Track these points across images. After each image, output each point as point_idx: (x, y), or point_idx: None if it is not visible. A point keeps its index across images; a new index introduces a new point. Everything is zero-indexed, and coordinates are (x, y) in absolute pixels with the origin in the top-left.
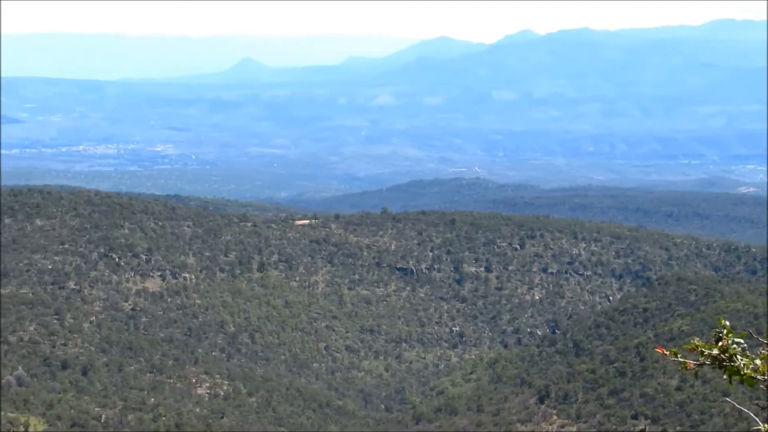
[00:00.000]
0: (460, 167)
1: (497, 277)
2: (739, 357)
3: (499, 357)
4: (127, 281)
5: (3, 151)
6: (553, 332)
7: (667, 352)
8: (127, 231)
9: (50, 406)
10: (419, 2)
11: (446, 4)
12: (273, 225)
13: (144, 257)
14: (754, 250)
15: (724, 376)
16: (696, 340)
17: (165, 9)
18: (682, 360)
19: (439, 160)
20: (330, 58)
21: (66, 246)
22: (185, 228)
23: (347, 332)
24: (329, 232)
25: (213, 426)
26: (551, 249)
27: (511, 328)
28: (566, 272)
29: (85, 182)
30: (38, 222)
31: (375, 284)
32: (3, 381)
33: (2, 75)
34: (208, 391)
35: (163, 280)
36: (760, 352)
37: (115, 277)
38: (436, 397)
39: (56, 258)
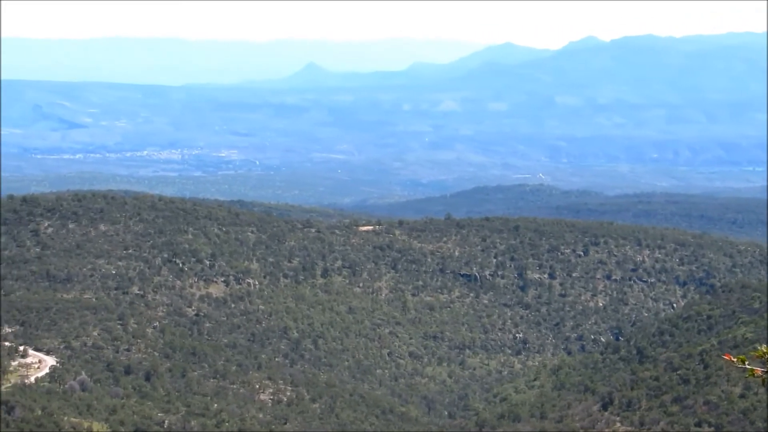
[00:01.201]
0: (523, 173)
1: (561, 284)
2: None
3: (562, 364)
4: (191, 286)
5: (66, 156)
6: (617, 339)
7: (735, 359)
8: (190, 236)
9: (113, 411)
10: (485, 8)
11: (511, 10)
12: (337, 231)
13: (208, 262)
14: None
15: None
16: (763, 348)
17: (231, 13)
18: (749, 367)
19: (502, 165)
20: (395, 63)
21: (130, 251)
22: (249, 233)
23: (411, 338)
24: (393, 238)
25: None
26: (615, 256)
27: (575, 334)
28: (630, 279)
29: (149, 187)
30: (102, 227)
31: (438, 290)
32: (67, 385)
33: (66, 80)
34: (272, 397)
35: (227, 285)
36: None
37: (178, 282)
38: (499, 404)
39: (120, 263)
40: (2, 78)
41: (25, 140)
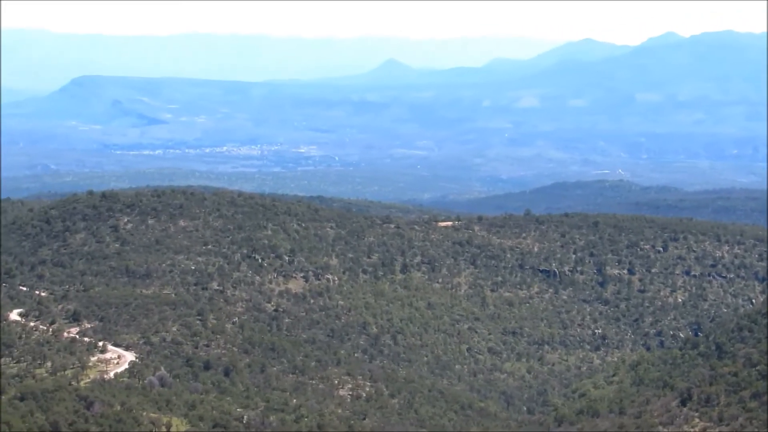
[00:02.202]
0: (603, 169)
1: (640, 280)
2: None
3: (641, 359)
4: (270, 282)
5: (146, 152)
6: (696, 335)
7: None
8: (270, 232)
9: (192, 406)
10: (564, 4)
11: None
12: (416, 226)
13: (287, 258)
14: None
15: None
16: None
17: (311, 10)
18: None
19: (582, 162)
20: (474, 60)
21: (209, 247)
22: (328, 229)
23: (490, 334)
24: (472, 233)
25: (355, 427)
26: (694, 251)
27: (654, 330)
28: (709, 275)
29: (229, 183)
30: (181, 223)
31: (518, 286)
32: (146, 381)
33: (146, 76)
34: (351, 393)
35: (306, 281)
36: None
37: (258, 278)
38: (578, 399)
39: (199, 259)
40: (83, 74)
41: (105, 136)
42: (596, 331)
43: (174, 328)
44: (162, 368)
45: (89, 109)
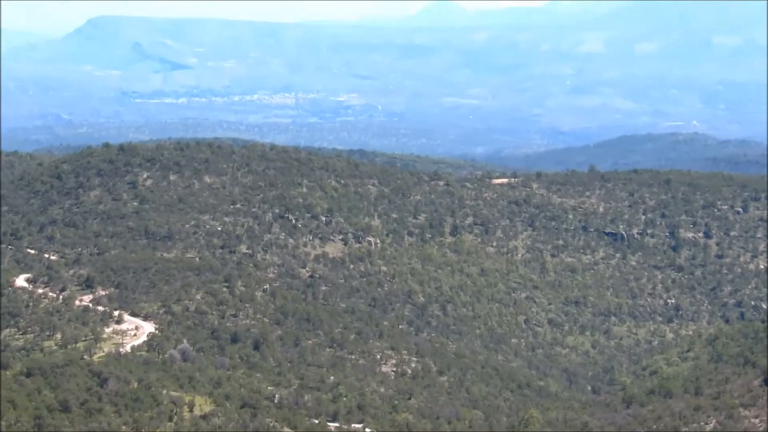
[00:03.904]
0: (676, 121)
1: (717, 244)
2: None
3: (719, 333)
4: (305, 245)
5: (168, 100)
6: None
7: None
8: (305, 190)
9: (218, 383)
10: None
11: None
12: (468, 184)
13: (324, 219)
14: None
15: None
16: None
17: None
18: None
19: (653, 113)
20: None
21: (237, 206)
22: (370, 187)
23: (550, 304)
24: (530, 192)
25: (399, 407)
26: None
27: (733, 300)
28: None
29: (260, 135)
30: (207, 179)
31: (581, 250)
32: (166, 355)
33: (169, 16)
34: (394, 369)
35: (345, 244)
36: None
37: (291, 240)
38: (648, 378)
39: (226, 219)
40: (100, 15)
41: (124, 83)
42: (669, 301)
43: (198, 296)
44: (184, 341)
45: (106, 52)
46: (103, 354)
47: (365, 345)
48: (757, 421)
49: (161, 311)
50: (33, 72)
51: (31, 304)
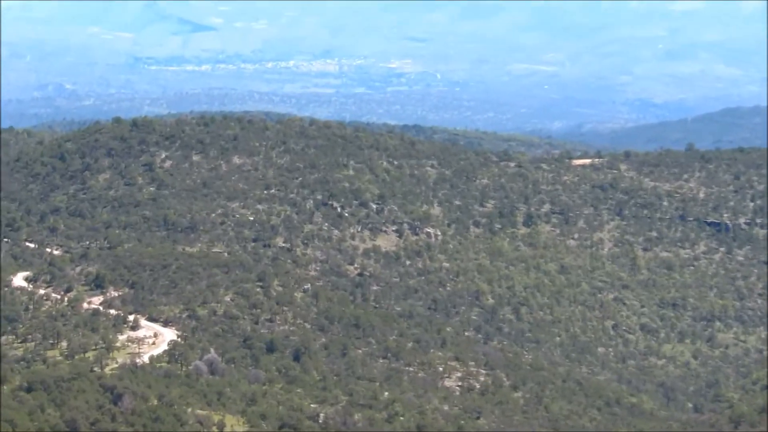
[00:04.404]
0: None
1: None
2: None
3: None
4: (353, 238)
5: (189, 67)
6: None
7: None
8: (352, 172)
9: (252, 400)
10: None
11: None
12: (544, 165)
13: (375, 207)
14: None
15: None
16: None
17: None
18: None
19: (760, 81)
20: None
21: (272, 191)
22: (428, 169)
23: (642, 306)
24: (617, 174)
25: (466, 428)
26: None
27: None
28: None
29: (297, 108)
30: (236, 160)
31: (678, 244)
32: (191, 367)
33: None
34: (460, 383)
35: (400, 236)
36: None
37: (336, 232)
38: (759, 393)
39: (259, 207)
40: None
41: (136, 47)
42: None
43: (227, 298)
44: (212, 350)
45: (115, 12)
46: (116, 366)
47: (425, 355)
48: None
49: (184, 315)
50: (30, 35)
51: (31, 306)
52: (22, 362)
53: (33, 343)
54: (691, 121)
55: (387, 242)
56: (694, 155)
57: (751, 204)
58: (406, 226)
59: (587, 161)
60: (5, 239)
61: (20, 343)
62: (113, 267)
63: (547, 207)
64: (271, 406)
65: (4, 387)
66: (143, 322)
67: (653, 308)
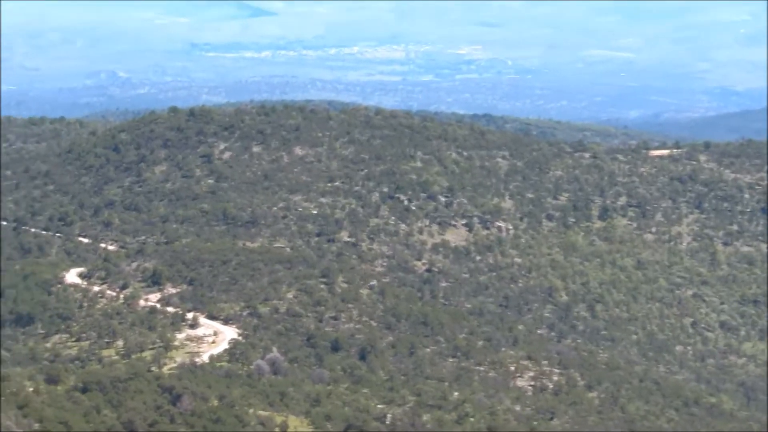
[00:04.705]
0: None
1: None
2: None
3: None
4: (420, 232)
5: (249, 54)
6: None
7: None
8: (419, 164)
9: (316, 401)
10: None
11: None
12: (620, 156)
13: (443, 199)
14: None
15: None
16: None
17: None
18: None
19: None
20: None
21: (336, 184)
22: (499, 160)
23: (722, 303)
24: (696, 166)
25: (538, 429)
26: None
27: None
28: None
29: (362, 97)
30: (298, 151)
31: (760, 237)
32: (252, 366)
33: None
34: (532, 383)
35: (470, 230)
36: None
37: (403, 226)
38: None
39: (323, 200)
40: None
41: (193, 32)
42: None
43: (290, 295)
44: (274, 349)
45: None
46: (174, 365)
47: (496, 354)
48: None
49: (245, 313)
50: (80, 20)
51: (85, 304)
52: (76, 362)
53: (88, 342)
54: None
55: (456, 237)
56: None
57: None
58: (476, 219)
59: (665, 152)
60: (58, 234)
61: (74, 342)
62: (171, 263)
63: (623, 200)
64: (336, 407)
65: (58, 387)
66: (202, 320)
67: (733, 305)
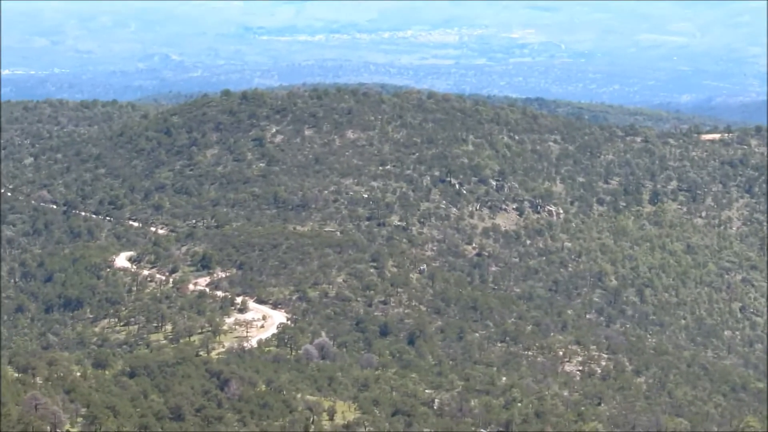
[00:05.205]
0: None
1: None
2: None
3: None
4: (471, 216)
5: (302, 37)
6: None
7: None
8: (471, 147)
9: (364, 386)
10: None
11: None
12: (671, 140)
13: (494, 183)
14: None
15: None
16: None
17: None
18: None
19: None
20: None
21: (388, 167)
22: (551, 144)
23: None
24: (748, 150)
25: (586, 415)
26: None
27: None
28: None
29: (415, 80)
30: (350, 134)
31: None
32: (301, 351)
33: None
34: (580, 368)
35: (521, 215)
36: None
37: (454, 210)
38: None
39: (374, 184)
40: None
41: (246, 16)
42: None
43: (339, 279)
44: (323, 334)
45: None
46: (222, 350)
47: (545, 339)
48: None
49: (294, 297)
50: (132, 3)
51: (134, 288)
52: (124, 346)
53: (136, 327)
54: None
55: (507, 221)
56: None
57: None
58: (526, 203)
59: (716, 136)
60: (108, 218)
61: (123, 326)
62: (221, 247)
63: (674, 184)
64: (384, 392)
65: (105, 372)
66: (251, 304)
67: None
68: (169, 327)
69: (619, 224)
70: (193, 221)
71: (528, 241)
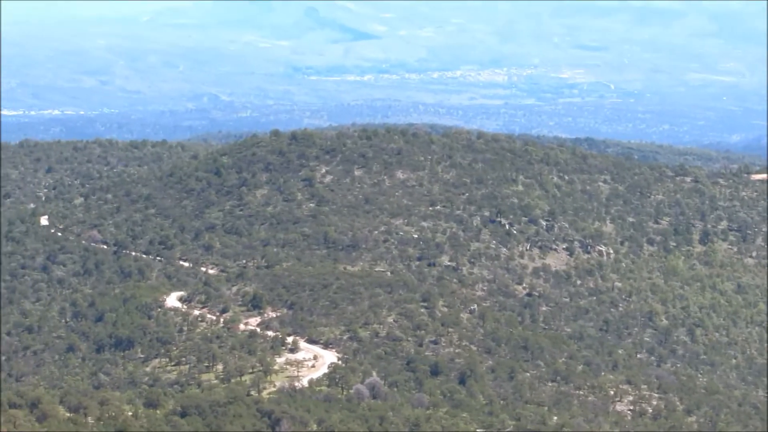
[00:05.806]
0: None
1: None
2: None
3: None
4: (521, 256)
5: (351, 77)
6: None
7: None
8: (521, 188)
9: (415, 425)
10: None
11: None
12: (721, 180)
13: (544, 223)
14: None
15: None
16: None
17: None
18: None
19: None
20: None
21: (438, 207)
22: (601, 184)
23: None
24: None
25: None
26: None
27: None
28: None
29: (464, 120)
30: (400, 175)
31: None
32: (352, 390)
33: None
34: (631, 408)
35: (571, 255)
36: None
37: (504, 250)
38: None
39: (424, 224)
40: None
41: (295, 56)
42: None
43: (390, 319)
44: (374, 373)
45: (273, 18)
46: (274, 389)
47: (595, 378)
48: None
49: (345, 337)
50: (181, 43)
51: (185, 328)
52: (175, 386)
53: (187, 366)
54: None
55: (557, 261)
56: None
57: None
58: (577, 243)
59: (766, 176)
60: (158, 258)
61: (174, 366)
62: (271, 287)
63: (724, 224)
64: (436, 431)
65: (157, 411)
66: (302, 344)
67: None
68: (219, 367)
69: (670, 264)
70: (244, 261)
71: (578, 281)
